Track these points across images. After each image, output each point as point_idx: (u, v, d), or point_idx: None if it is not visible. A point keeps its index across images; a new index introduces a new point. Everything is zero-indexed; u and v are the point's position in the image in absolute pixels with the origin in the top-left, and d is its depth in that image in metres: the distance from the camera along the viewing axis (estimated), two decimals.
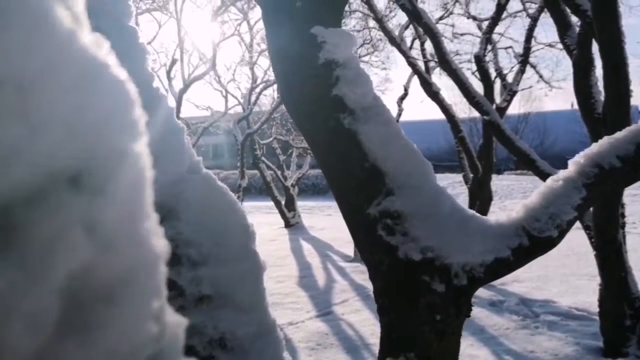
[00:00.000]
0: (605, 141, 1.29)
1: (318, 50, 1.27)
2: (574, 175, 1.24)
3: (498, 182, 25.97)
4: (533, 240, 1.18)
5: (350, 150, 1.27)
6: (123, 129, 0.26)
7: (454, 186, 27.16)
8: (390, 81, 20.72)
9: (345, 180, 1.31)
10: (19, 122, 0.22)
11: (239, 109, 17.93)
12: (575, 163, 1.27)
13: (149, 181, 0.27)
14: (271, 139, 17.64)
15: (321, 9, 1.30)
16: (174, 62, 15.76)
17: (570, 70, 5.09)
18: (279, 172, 18.48)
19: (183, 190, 0.98)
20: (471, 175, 10.44)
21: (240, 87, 17.42)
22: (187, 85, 14.97)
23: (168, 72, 16.37)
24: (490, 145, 9.59)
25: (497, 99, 10.40)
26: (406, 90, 12.73)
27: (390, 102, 13.98)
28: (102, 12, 1.07)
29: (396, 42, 10.01)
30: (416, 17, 7.99)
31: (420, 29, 10.01)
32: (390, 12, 13.44)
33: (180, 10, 13.99)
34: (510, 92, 9.88)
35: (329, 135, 1.31)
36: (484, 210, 9.39)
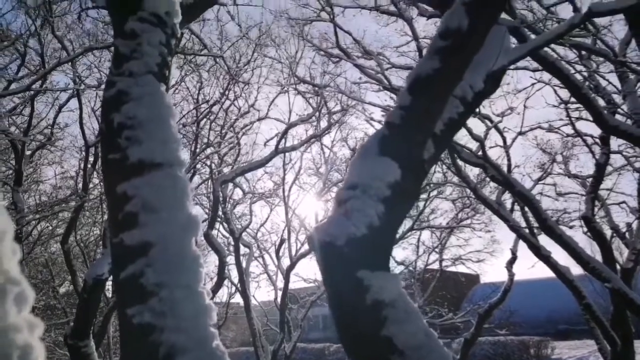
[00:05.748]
0: None
1: (365, 293, 1.37)
2: None
3: None
4: None
5: None
6: None
7: (597, 356, 23.08)
8: (498, 242, 19.81)
9: None
10: None
11: None
12: None
13: None
14: None
15: (367, 254, 1.44)
16: (282, 241, 16.83)
17: None
18: None
19: None
20: (609, 348, 8.99)
21: None
22: (294, 263, 15.63)
23: (277, 251, 17.39)
24: (624, 312, 8.39)
25: (621, 258, 9.42)
26: (514, 253, 12.08)
27: (499, 265, 13.18)
28: (173, 282, 1.29)
29: (493, 208, 9.88)
30: (508, 186, 8.00)
31: None
32: (486, 177, 13.58)
33: (288, 196, 15.42)
34: (634, 250, 8.92)
35: None
36: None
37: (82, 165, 10.87)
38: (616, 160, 11.76)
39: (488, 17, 1.71)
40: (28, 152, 10.37)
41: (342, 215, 1.49)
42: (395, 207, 1.51)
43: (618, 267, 9.20)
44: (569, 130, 11.32)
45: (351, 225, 1.44)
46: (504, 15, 6.34)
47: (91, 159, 10.17)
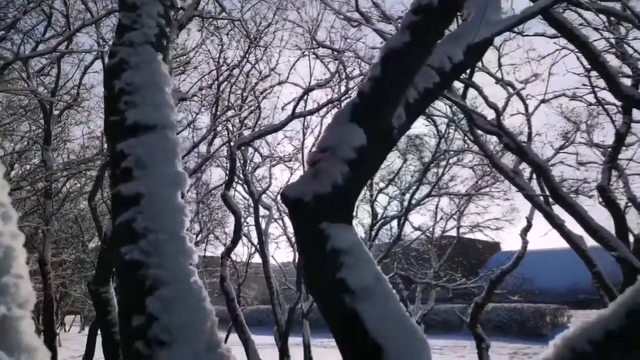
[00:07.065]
0: (580, 324, 1.31)
1: (325, 241, 1.57)
2: (552, 358, 1.27)
3: None
4: None
5: (354, 327, 1.48)
6: None
7: None
8: (517, 210, 19.67)
9: (352, 356, 1.50)
10: None
11: None
12: (554, 345, 1.30)
13: None
14: (392, 273, 17.54)
15: (330, 209, 1.63)
16: None
17: None
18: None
19: None
20: None
21: (362, 222, 18.01)
22: None
23: None
24: (632, 281, 8.42)
25: (636, 229, 9.37)
26: (529, 222, 12.13)
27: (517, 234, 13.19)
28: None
29: (509, 176, 9.90)
30: (522, 154, 8.01)
31: None
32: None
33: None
34: None
35: (337, 313, 1.54)
36: None
37: None
38: (638, 129, 11.44)
39: None
40: (56, 112, 10.79)
41: (312, 175, 1.68)
42: (359, 169, 1.69)
43: (632, 237, 9.18)
44: (592, 98, 11.05)
45: (318, 184, 1.64)
46: None
47: None
